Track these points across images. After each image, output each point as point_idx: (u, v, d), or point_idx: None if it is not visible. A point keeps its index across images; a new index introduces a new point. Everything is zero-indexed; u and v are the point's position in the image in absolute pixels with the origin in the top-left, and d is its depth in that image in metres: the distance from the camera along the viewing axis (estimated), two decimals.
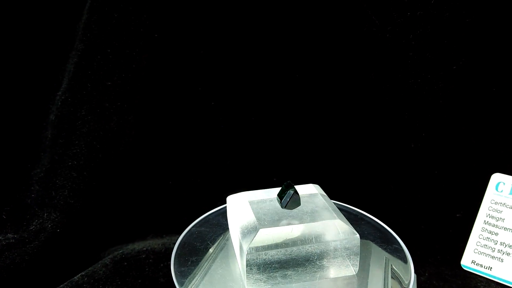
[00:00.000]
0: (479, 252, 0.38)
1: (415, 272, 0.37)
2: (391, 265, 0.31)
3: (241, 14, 0.45)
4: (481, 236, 0.38)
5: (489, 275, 0.37)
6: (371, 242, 0.33)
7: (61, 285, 0.35)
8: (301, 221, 0.29)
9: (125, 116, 0.43)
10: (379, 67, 0.43)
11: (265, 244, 0.27)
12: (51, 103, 0.44)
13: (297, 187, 0.32)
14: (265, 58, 0.46)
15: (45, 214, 0.40)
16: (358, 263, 0.29)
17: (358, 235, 0.28)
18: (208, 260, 0.31)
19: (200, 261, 0.31)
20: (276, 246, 0.27)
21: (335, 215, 0.29)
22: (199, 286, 0.28)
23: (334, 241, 0.28)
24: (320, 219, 0.29)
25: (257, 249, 0.27)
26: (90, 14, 0.42)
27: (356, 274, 0.29)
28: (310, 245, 0.28)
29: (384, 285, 0.29)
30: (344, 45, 0.44)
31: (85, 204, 0.42)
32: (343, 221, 0.29)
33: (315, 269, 0.28)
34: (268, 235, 0.27)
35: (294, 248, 0.27)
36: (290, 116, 0.46)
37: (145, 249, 0.40)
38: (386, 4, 0.41)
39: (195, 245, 0.32)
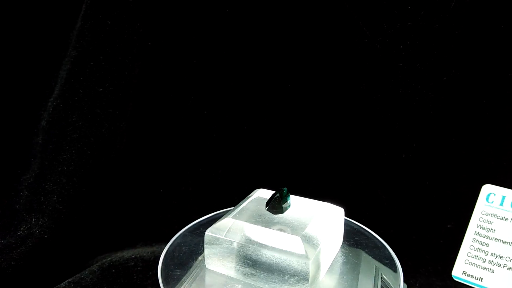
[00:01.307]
0: (470, 263, 0.38)
1: (406, 282, 0.36)
2: (381, 274, 0.31)
3: (234, 25, 0.45)
4: (472, 247, 0.38)
5: (480, 286, 0.37)
6: (361, 251, 0.33)
7: None
8: (271, 226, 0.29)
9: (117, 123, 0.43)
10: (370, 78, 0.43)
11: (223, 231, 0.29)
12: (43, 109, 0.44)
13: (313, 201, 0.32)
14: (258, 68, 0.46)
15: (33, 220, 0.39)
16: (308, 286, 0.27)
17: (309, 261, 0.26)
18: (197, 267, 0.31)
19: (189, 269, 0.30)
20: (232, 236, 0.28)
21: (304, 233, 0.28)
22: None
23: (282, 255, 0.27)
24: (284, 231, 0.28)
25: (214, 232, 0.29)
26: (84, 21, 0.42)
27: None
28: (262, 249, 0.27)
29: None
30: (336, 56, 0.44)
31: (74, 210, 0.41)
32: (305, 242, 0.27)
33: (272, 279, 0.27)
34: (231, 225, 0.29)
35: (248, 246, 0.28)
36: (282, 126, 0.46)
37: (133, 256, 0.39)
38: (376, 16, 0.41)
39: (184, 252, 0.32)
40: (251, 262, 0.28)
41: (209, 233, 0.29)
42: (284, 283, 0.27)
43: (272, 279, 0.27)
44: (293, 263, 0.27)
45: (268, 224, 0.29)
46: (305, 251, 0.27)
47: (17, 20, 0.46)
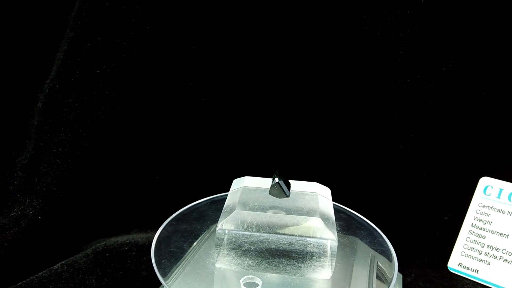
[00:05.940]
0: (466, 255, 0.38)
1: (402, 273, 0.36)
2: (377, 262, 0.31)
3: (233, 11, 0.45)
4: (468, 239, 0.38)
5: (476, 278, 0.37)
6: (357, 239, 0.33)
7: (40, 273, 0.34)
8: (282, 212, 0.28)
9: (113, 106, 0.43)
10: (370, 67, 0.43)
11: (236, 224, 0.27)
12: (39, 91, 0.44)
13: (300, 182, 0.32)
14: (257, 57, 0.46)
15: (27, 201, 0.39)
16: (333, 267, 0.28)
17: (335, 240, 0.27)
18: (192, 251, 0.30)
19: (183, 253, 0.30)
20: (246, 228, 0.27)
21: (320, 214, 0.28)
22: (180, 275, 0.28)
23: (306, 238, 0.27)
24: (301, 214, 0.28)
25: (227, 227, 0.27)
26: (82, 2, 0.42)
27: (331, 278, 0.28)
28: (281, 236, 0.27)
29: (368, 281, 0.29)
30: (335, 45, 0.44)
31: (69, 192, 0.41)
32: (325, 223, 0.27)
33: (288, 264, 0.27)
34: (242, 217, 0.27)
35: (264, 235, 0.27)
36: (280, 115, 0.46)
37: (128, 241, 0.39)
38: (377, 2, 0.41)
39: (178, 236, 0.32)
40: (270, 252, 0.27)
41: (222, 229, 0.27)
42: (306, 265, 0.27)
43: (292, 263, 0.27)
44: (317, 244, 0.27)
45: (278, 210, 0.28)
46: (329, 231, 0.27)
47: (14, 1, 0.45)
